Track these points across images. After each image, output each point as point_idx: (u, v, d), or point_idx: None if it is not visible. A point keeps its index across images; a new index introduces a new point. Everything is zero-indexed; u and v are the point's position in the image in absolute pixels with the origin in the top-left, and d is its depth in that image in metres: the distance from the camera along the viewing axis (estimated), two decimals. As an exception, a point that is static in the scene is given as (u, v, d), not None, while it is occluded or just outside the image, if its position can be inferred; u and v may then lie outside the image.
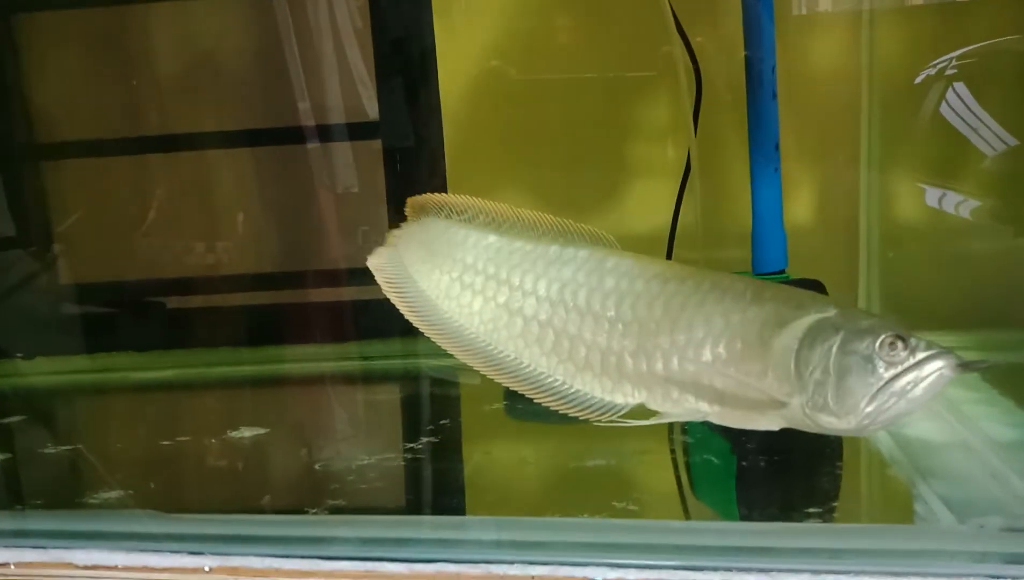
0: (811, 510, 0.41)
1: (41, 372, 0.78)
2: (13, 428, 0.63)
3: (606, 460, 0.48)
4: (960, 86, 0.62)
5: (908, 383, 0.32)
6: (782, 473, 0.46)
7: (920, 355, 0.32)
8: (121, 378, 0.76)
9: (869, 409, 0.32)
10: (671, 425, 0.58)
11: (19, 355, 0.78)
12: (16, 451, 0.56)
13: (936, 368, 0.31)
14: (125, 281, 0.84)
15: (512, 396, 0.62)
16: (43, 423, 0.66)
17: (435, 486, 0.47)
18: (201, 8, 0.86)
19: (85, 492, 0.46)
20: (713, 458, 0.49)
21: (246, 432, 0.56)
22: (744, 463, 0.48)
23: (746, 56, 0.53)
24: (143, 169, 0.86)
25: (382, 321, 0.79)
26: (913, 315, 0.70)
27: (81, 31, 0.87)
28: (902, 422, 0.40)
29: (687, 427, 0.57)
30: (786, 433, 0.51)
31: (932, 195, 0.68)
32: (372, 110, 0.81)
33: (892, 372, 0.32)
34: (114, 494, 0.45)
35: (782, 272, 0.54)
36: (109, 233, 0.85)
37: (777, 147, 0.54)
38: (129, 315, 0.82)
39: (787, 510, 0.43)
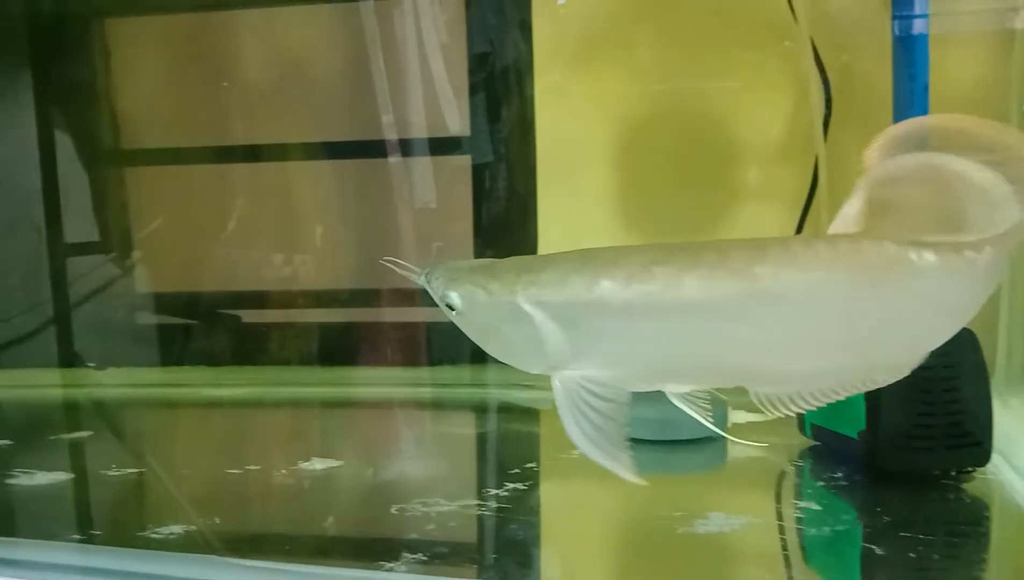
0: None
1: (111, 383, 0.76)
2: (75, 445, 0.60)
3: (711, 524, 0.42)
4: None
5: None
6: (916, 557, 0.39)
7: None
8: (193, 394, 0.74)
9: None
10: (784, 485, 0.52)
11: (91, 365, 0.77)
12: (73, 471, 0.53)
13: None
14: (201, 292, 0.82)
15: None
16: (107, 441, 0.63)
17: (515, 544, 0.41)
18: (290, 18, 0.85)
19: (145, 524, 0.42)
20: (834, 530, 0.43)
21: (318, 464, 0.52)
22: (872, 538, 0.41)
23: (894, 71, 0.47)
24: (224, 178, 0.85)
25: (462, 346, 0.75)
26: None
27: (167, 37, 0.86)
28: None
29: (800, 489, 0.50)
30: (921, 503, 0.44)
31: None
32: (463, 126, 0.77)
33: None
34: (175, 529, 0.41)
35: (923, 316, 0.47)
36: (187, 242, 0.83)
37: (925, 175, 0.47)
38: (204, 328, 0.79)
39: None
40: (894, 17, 0.47)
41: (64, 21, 0.86)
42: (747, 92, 0.70)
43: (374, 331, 0.80)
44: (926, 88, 0.46)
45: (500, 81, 0.76)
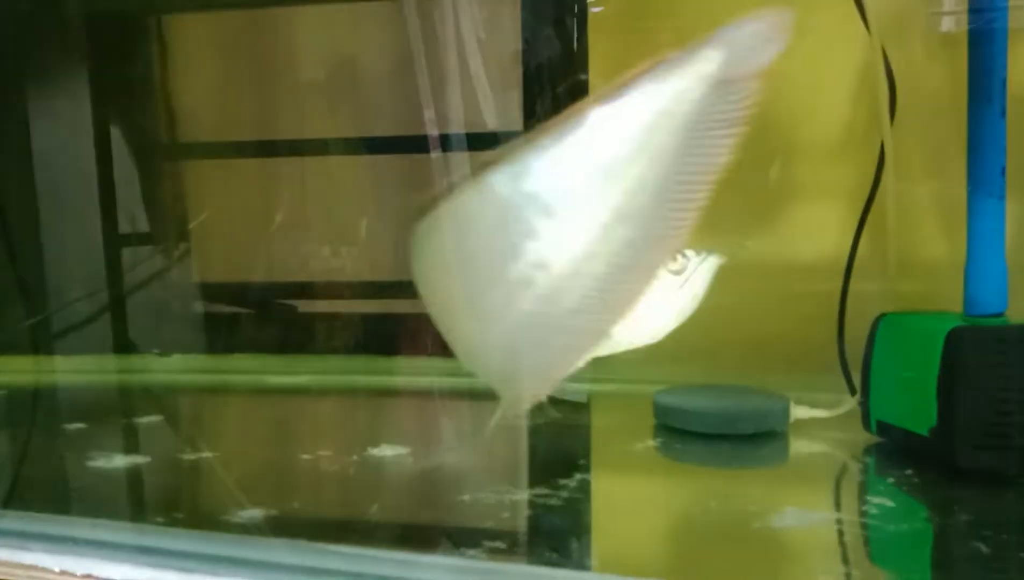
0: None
1: (173, 370, 0.77)
2: (146, 429, 0.61)
3: (787, 519, 0.42)
4: None
5: None
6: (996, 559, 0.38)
7: None
8: (255, 381, 0.75)
9: None
10: (854, 482, 0.52)
11: (156, 351, 0.78)
12: (149, 454, 0.55)
13: None
14: (257, 282, 0.83)
15: (665, 432, 0.57)
16: (175, 426, 0.65)
17: (596, 534, 0.42)
18: (342, 15, 0.85)
19: (226, 508, 0.43)
20: (912, 527, 0.42)
21: (387, 450, 0.53)
22: (958, 536, 0.41)
23: (970, 65, 0.46)
24: (283, 171, 0.86)
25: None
26: None
27: (221, 33, 0.87)
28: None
29: (869, 485, 0.50)
30: (998, 502, 0.44)
31: None
32: (516, 121, 0.77)
33: None
34: (256, 513, 0.42)
35: (1000, 314, 0.47)
36: (245, 234, 0.84)
37: (1003, 172, 0.47)
38: (262, 317, 0.80)
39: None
40: (971, 10, 0.46)
41: (121, 17, 0.87)
42: (803, 86, 0.70)
43: (422, 322, 0.81)
44: (1004, 83, 0.46)
45: (552, 75, 0.76)
